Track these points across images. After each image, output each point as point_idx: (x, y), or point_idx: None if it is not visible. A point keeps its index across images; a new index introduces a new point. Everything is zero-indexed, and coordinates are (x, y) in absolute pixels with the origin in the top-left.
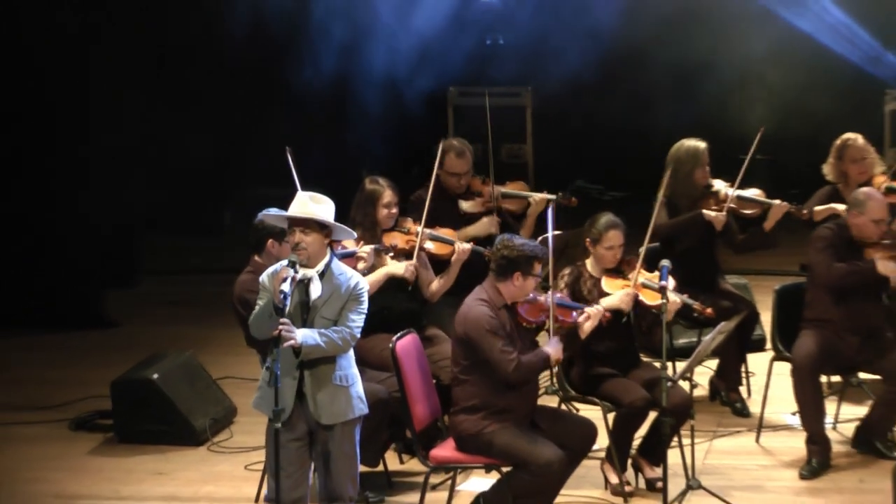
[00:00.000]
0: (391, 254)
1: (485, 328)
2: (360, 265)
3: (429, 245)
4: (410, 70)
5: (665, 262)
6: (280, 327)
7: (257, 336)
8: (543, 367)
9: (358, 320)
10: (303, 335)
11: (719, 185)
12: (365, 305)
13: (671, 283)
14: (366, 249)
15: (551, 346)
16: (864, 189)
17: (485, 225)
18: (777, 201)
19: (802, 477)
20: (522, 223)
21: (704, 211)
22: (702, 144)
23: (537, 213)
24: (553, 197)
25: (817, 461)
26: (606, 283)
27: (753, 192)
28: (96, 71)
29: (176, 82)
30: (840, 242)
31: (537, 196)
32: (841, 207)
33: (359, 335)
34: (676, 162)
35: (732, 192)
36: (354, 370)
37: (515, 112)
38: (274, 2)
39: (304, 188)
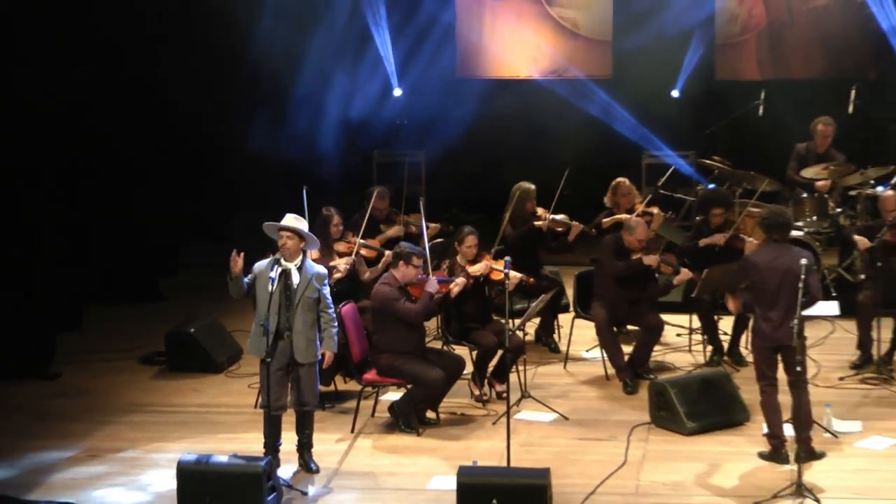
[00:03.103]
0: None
1: (390, 299)
2: (336, 275)
3: (363, 251)
4: (351, 139)
5: (507, 258)
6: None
7: (231, 292)
8: (430, 301)
9: (328, 294)
10: (331, 348)
11: (541, 211)
12: (328, 283)
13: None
14: (342, 265)
15: (430, 286)
16: (635, 219)
17: (396, 230)
18: (575, 223)
19: (628, 393)
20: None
21: (535, 223)
22: (532, 186)
23: (432, 235)
24: (439, 226)
25: (630, 382)
26: (469, 269)
27: (561, 216)
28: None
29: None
30: (618, 246)
31: (431, 225)
32: (623, 216)
33: (332, 304)
34: (515, 197)
35: (549, 215)
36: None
37: (415, 165)
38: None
39: (288, 211)
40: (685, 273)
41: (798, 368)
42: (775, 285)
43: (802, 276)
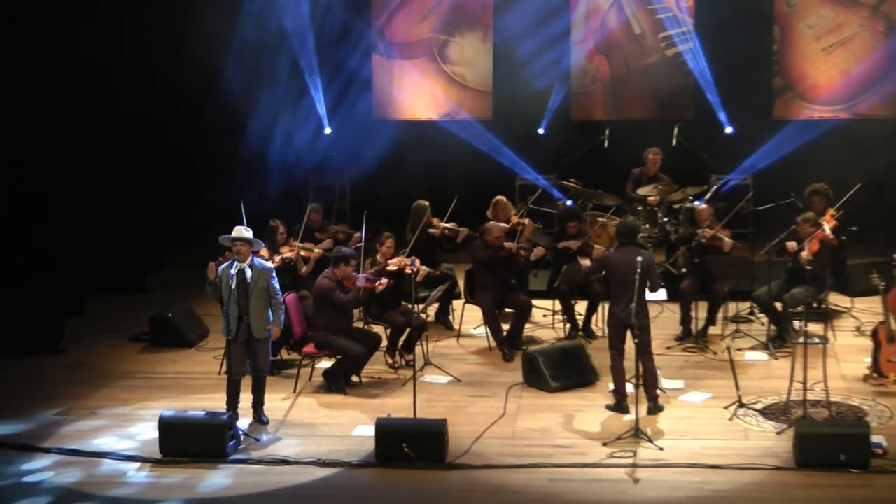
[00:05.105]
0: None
1: (329, 289)
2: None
3: (302, 252)
4: (292, 167)
5: (413, 257)
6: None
7: (208, 293)
8: (357, 293)
9: (278, 286)
10: (279, 325)
11: (436, 221)
12: (275, 275)
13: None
14: (276, 259)
15: (359, 281)
16: (491, 223)
17: (327, 244)
18: (464, 229)
19: (506, 361)
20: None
21: (430, 230)
22: (426, 203)
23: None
24: (362, 235)
25: (508, 352)
26: (388, 265)
27: (452, 224)
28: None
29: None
30: (484, 245)
31: (355, 234)
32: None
33: (280, 292)
34: (415, 212)
35: (442, 224)
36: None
37: (341, 187)
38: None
39: (239, 224)
40: (539, 251)
41: (636, 341)
42: (623, 277)
43: (639, 271)
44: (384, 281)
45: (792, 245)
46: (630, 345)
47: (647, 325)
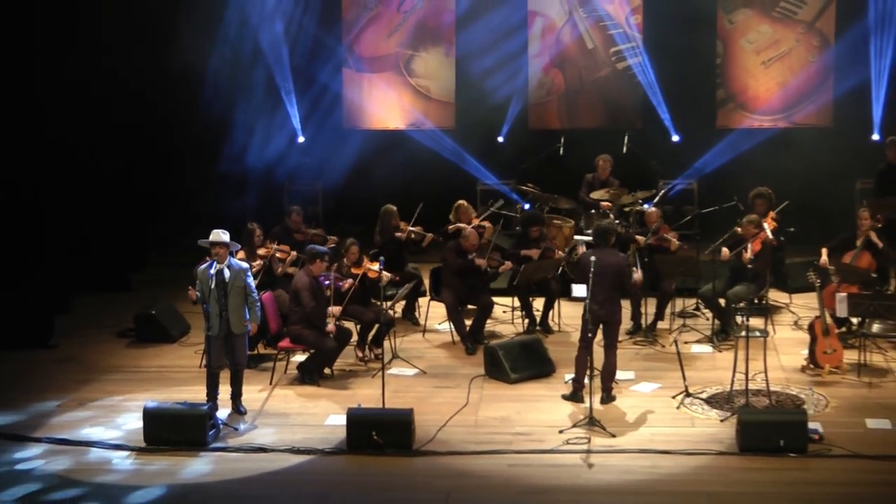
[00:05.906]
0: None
1: (304, 286)
2: (253, 270)
3: (278, 254)
4: (268, 173)
5: (381, 258)
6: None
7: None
8: (318, 318)
9: (252, 283)
10: (255, 321)
11: (403, 224)
12: (250, 275)
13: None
14: (255, 264)
15: (327, 280)
16: (469, 229)
17: (293, 255)
18: (429, 234)
19: (469, 354)
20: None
21: (396, 234)
22: (394, 207)
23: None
24: (336, 238)
25: (470, 346)
26: (353, 269)
27: (418, 228)
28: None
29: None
30: (458, 249)
31: (330, 237)
32: (462, 226)
33: (255, 290)
34: (383, 215)
35: (409, 228)
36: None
37: (314, 192)
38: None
39: (219, 227)
40: (507, 265)
41: (589, 335)
42: (598, 277)
43: (592, 270)
44: (349, 281)
45: (725, 252)
46: (598, 338)
47: (618, 322)
